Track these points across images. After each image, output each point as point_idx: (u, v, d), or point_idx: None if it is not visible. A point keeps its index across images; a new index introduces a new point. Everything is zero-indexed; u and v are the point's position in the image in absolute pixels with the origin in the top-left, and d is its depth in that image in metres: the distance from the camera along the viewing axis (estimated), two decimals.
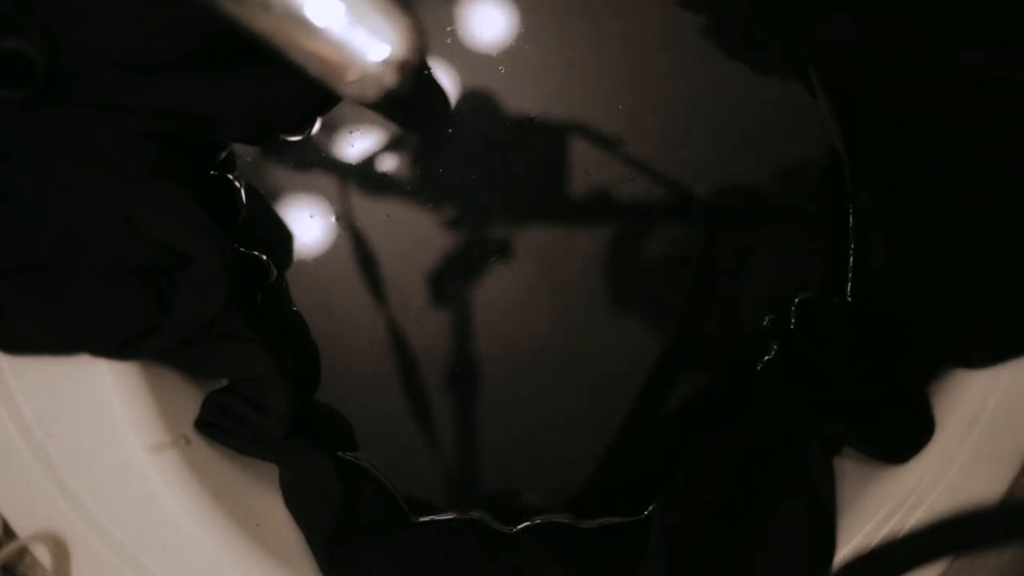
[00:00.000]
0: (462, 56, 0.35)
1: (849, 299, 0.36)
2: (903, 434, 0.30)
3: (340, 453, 0.35)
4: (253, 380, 0.31)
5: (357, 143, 0.35)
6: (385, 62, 0.26)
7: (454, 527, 0.35)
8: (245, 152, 0.35)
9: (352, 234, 0.35)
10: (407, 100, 0.28)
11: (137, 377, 0.29)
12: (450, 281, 0.36)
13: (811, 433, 0.31)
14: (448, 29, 0.35)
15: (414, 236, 0.36)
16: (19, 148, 0.26)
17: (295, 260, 0.36)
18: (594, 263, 0.36)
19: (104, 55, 0.26)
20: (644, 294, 0.36)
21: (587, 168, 0.36)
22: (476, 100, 0.35)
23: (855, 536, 0.29)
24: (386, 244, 0.36)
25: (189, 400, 0.31)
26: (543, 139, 0.36)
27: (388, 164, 0.36)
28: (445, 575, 0.33)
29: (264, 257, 0.35)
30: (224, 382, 0.33)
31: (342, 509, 0.31)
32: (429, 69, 0.35)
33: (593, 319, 0.36)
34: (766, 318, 0.36)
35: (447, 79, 0.35)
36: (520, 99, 0.35)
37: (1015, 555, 0.29)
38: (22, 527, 0.28)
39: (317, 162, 0.35)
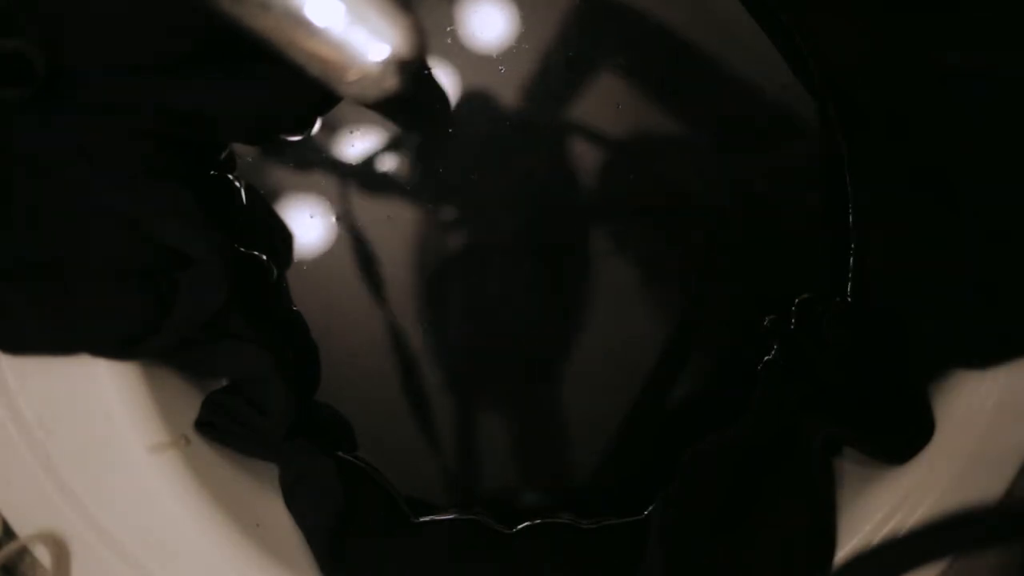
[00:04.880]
0: (462, 56, 0.35)
1: (849, 299, 0.36)
2: (903, 434, 0.30)
3: (340, 453, 0.35)
4: (253, 380, 0.31)
5: (357, 143, 0.35)
6: (385, 62, 0.26)
7: (454, 527, 0.35)
8: (245, 152, 0.35)
9: (352, 234, 0.35)
10: (407, 100, 0.28)
11: (137, 377, 0.29)
12: (450, 281, 0.36)
13: (811, 433, 0.31)
14: (448, 29, 0.35)
15: (414, 236, 0.36)
16: (19, 148, 0.26)
17: (295, 260, 0.36)
18: (594, 263, 0.36)
19: (104, 55, 0.26)
20: (644, 294, 0.36)
21: (587, 168, 0.36)
22: (476, 100, 0.35)
23: (855, 536, 0.29)
24: (386, 244, 0.36)
25: (189, 400, 0.31)
26: (543, 139, 0.36)
27: (388, 164, 0.36)
28: (445, 575, 0.33)
29: (264, 257, 0.35)
30: (224, 382, 0.33)
31: (342, 509, 0.31)
32: (429, 69, 0.35)
33: (593, 319, 0.36)
34: (766, 318, 0.36)
35: (447, 79, 0.35)
36: (520, 99, 0.35)
37: (1015, 555, 0.29)
38: (22, 527, 0.28)
39: (317, 162, 0.35)
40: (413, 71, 0.27)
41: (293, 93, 0.31)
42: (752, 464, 0.32)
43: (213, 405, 0.31)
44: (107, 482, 0.28)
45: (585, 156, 0.36)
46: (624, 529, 0.35)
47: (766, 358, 0.36)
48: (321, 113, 0.35)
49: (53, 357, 0.28)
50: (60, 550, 0.28)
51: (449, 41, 0.35)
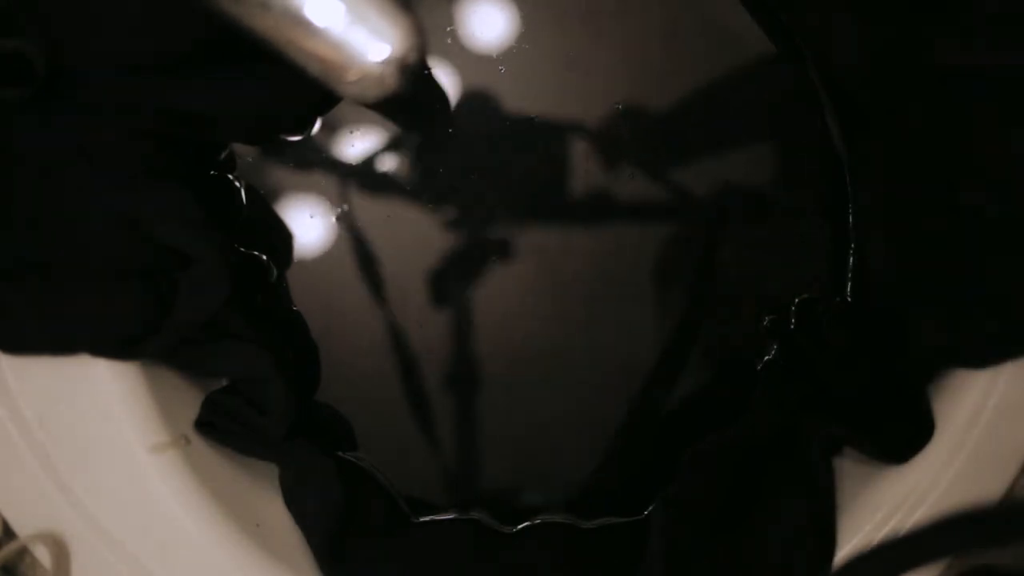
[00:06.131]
0: (462, 56, 0.35)
1: (849, 299, 0.36)
2: (903, 434, 0.30)
3: (340, 453, 0.35)
4: (253, 380, 0.31)
5: (357, 143, 0.35)
6: (385, 62, 0.26)
7: (454, 527, 0.35)
8: (245, 152, 0.35)
9: (352, 234, 0.35)
10: (407, 100, 0.28)
11: (137, 377, 0.29)
12: (450, 281, 0.36)
13: (811, 433, 0.31)
14: (448, 29, 0.35)
15: (414, 236, 0.36)
16: (19, 148, 0.26)
17: (295, 260, 0.36)
18: (594, 263, 0.36)
19: (104, 55, 0.26)
20: (644, 294, 0.36)
21: (587, 168, 0.36)
22: (476, 100, 0.35)
23: (855, 536, 0.29)
24: (386, 244, 0.36)
25: (189, 400, 0.31)
26: (543, 139, 0.36)
27: (388, 164, 0.36)
28: (445, 575, 0.33)
29: (264, 257, 0.35)
30: (224, 382, 0.33)
31: (342, 509, 0.31)
32: (429, 69, 0.35)
33: (593, 319, 0.36)
34: (766, 318, 0.36)
35: (447, 79, 0.35)
36: (520, 99, 0.35)
37: (1016, 555, 0.29)
38: (22, 527, 0.28)
39: (317, 162, 0.35)
40: (413, 71, 0.27)
41: (293, 93, 0.31)
42: (752, 464, 0.32)
43: (213, 405, 0.31)
44: (107, 482, 0.28)
45: (585, 156, 0.36)
46: (624, 529, 0.35)
47: (766, 358, 0.36)
48: (321, 113, 0.35)
49: (53, 357, 0.28)
50: (60, 550, 0.28)
51: (449, 41, 0.35)
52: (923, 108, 0.29)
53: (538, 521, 0.36)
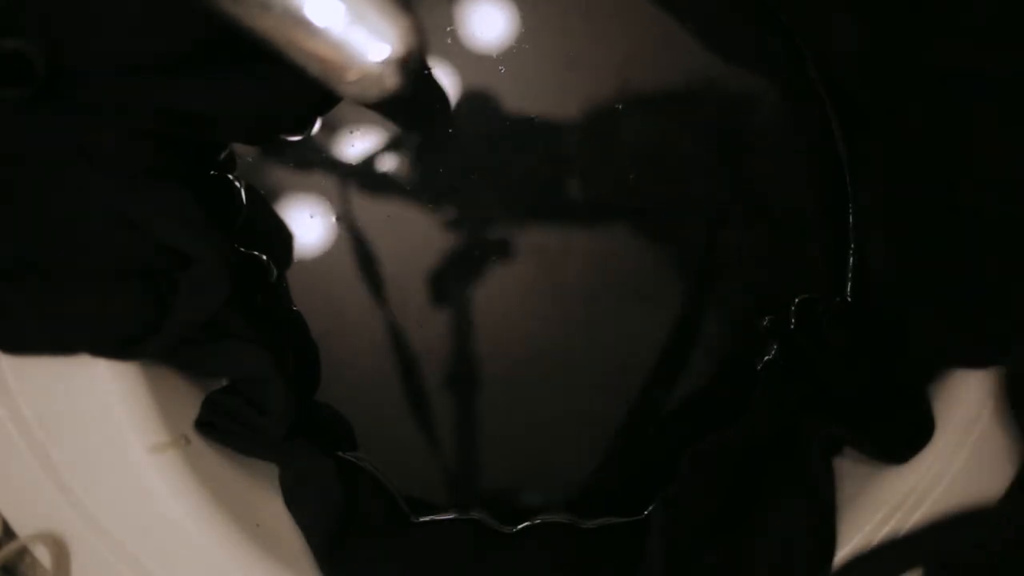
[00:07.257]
0: (462, 56, 0.35)
1: (849, 299, 0.36)
2: (903, 434, 0.30)
3: (340, 453, 0.35)
4: (253, 380, 0.31)
5: (357, 143, 0.35)
6: (385, 62, 0.26)
7: (454, 527, 0.35)
8: (245, 152, 0.35)
9: (352, 234, 0.35)
10: (407, 100, 0.28)
11: (137, 377, 0.29)
12: (450, 281, 0.36)
13: (811, 433, 0.31)
14: (448, 29, 0.35)
15: (414, 236, 0.36)
16: (19, 148, 0.26)
17: (295, 260, 0.36)
18: (594, 263, 0.36)
19: (105, 55, 0.26)
20: (644, 294, 0.36)
21: (587, 168, 0.36)
22: (476, 100, 0.35)
23: (855, 536, 0.29)
24: (386, 244, 0.36)
25: (189, 400, 0.31)
26: (543, 139, 0.36)
27: (388, 164, 0.36)
28: (445, 575, 0.33)
29: (264, 257, 0.35)
30: (224, 382, 0.33)
31: (342, 509, 0.31)
32: (429, 69, 0.35)
33: (593, 319, 0.36)
34: (766, 318, 0.36)
35: (447, 79, 0.35)
36: (520, 99, 0.35)
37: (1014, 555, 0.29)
38: (22, 527, 0.28)
39: (317, 162, 0.35)
40: (413, 71, 0.27)
41: (293, 93, 0.31)
42: (752, 464, 0.32)
43: (213, 405, 0.31)
44: (107, 482, 0.28)
45: (585, 156, 0.36)
46: (624, 529, 0.35)
47: (766, 358, 0.36)
48: (321, 113, 0.35)
49: (53, 357, 0.28)
50: (60, 550, 0.28)
51: (449, 41, 0.35)
52: (923, 108, 0.29)
53: (538, 521, 0.36)
